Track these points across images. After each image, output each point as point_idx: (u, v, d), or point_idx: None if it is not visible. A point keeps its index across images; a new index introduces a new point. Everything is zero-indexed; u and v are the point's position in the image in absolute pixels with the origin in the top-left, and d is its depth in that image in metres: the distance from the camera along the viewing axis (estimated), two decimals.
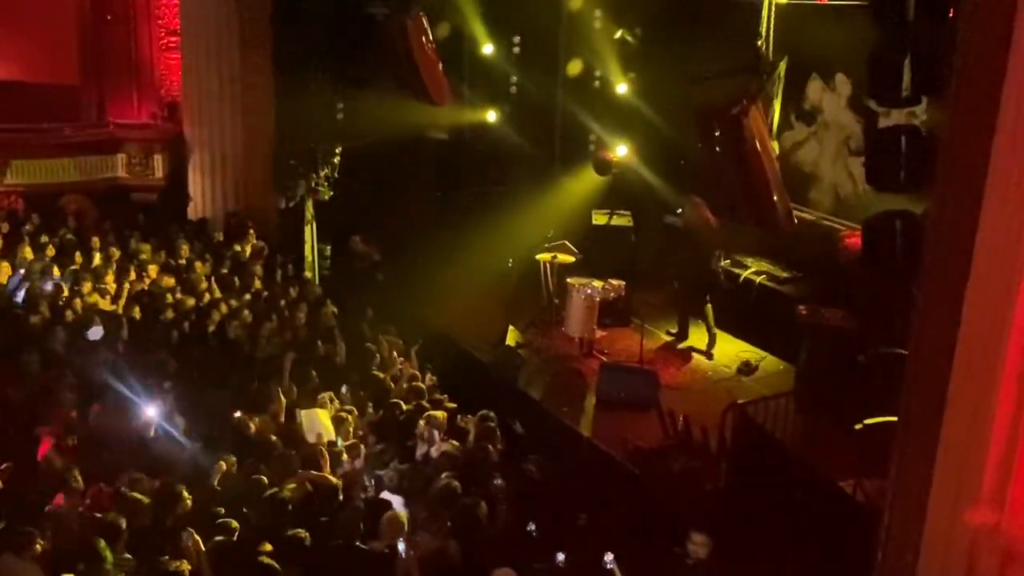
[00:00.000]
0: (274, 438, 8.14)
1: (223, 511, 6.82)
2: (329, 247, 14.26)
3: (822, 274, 11.12)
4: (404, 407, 9.01)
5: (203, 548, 6.37)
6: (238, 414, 8.53)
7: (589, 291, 11.63)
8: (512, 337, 11.79)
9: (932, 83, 6.38)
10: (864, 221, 7.01)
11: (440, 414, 8.83)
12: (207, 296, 11.25)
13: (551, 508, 7.51)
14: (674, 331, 12.16)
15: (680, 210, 11.98)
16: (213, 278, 11.80)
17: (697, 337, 12.05)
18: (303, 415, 8.55)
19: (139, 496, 6.77)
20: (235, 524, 6.63)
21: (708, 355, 11.78)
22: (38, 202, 13.90)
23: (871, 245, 6.91)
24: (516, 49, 15.03)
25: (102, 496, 6.95)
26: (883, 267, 6.98)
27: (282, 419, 8.67)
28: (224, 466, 7.50)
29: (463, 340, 12.01)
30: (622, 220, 13.65)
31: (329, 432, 8.35)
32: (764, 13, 10.51)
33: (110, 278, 11.36)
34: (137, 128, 15.00)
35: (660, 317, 12.42)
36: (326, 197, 13.59)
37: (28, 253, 11.77)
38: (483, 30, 14.59)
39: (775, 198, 10.02)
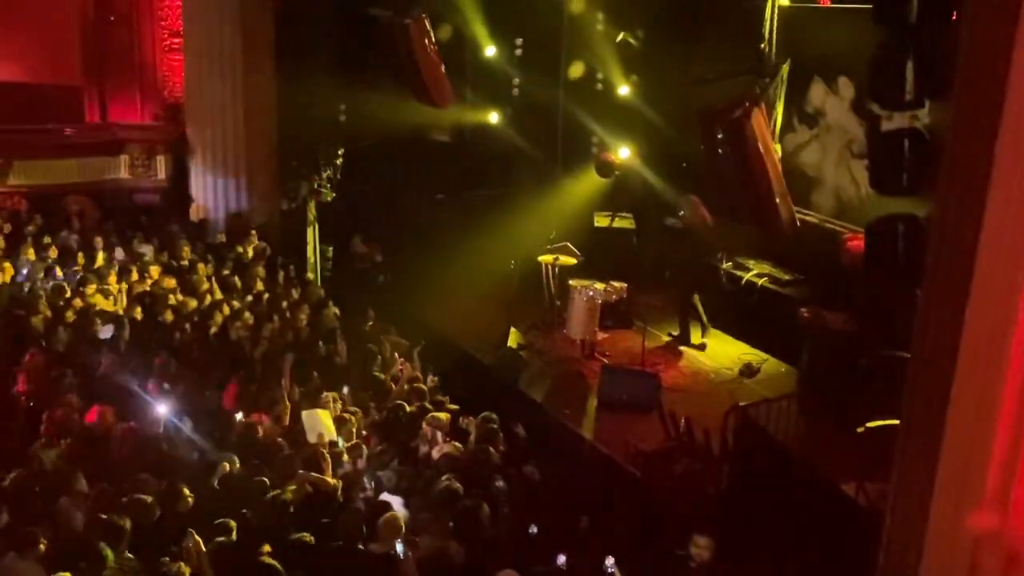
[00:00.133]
0: (280, 440, 8.15)
1: (223, 512, 6.82)
2: (331, 248, 14.26)
3: (824, 277, 11.12)
4: (407, 408, 9.01)
5: (204, 549, 6.37)
6: (240, 415, 8.54)
7: (591, 293, 11.63)
8: (514, 339, 11.79)
9: (935, 86, 6.39)
10: (867, 224, 7.01)
11: (443, 415, 8.83)
12: (208, 297, 11.25)
13: (552, 510, 7.50)
14: (675, 333, 12.16)
15: (681, 212, 11.98)
16: (215, 279, 11.81)
17: (698, 337, 12.06)
18: (304, 415, 8.55)
19: (143, 496, 6.77)
20: (233, 524, 6.63)
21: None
22: (41, 203, 13.91)
23: (874, 248, 6.92)
24: (518, 51, 15.06)
25: (106, 497, 6.94)
26: (886, 270, 6.99)
27: (286, 422, 8.67)
28: (227, 467, 7.50)
29: (465, 342, 12.02)
30: (624, 222, 13.66)
31: (330, 432, 8.35)
32: (767, 16, 10.55)
33: (112, 279, 11.37)
34: (139, 129, 15.01)
35: (662, 319, 12.42)
36: (328, 198, 13.60)
37: (31, 254, 11.78)
38: (485, 32, 14.62)
39: (777, 200, 10.04)
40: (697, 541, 6.52)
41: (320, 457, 7.78)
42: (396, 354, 10.70)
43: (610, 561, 6.39)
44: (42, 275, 11.21)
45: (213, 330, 10.42)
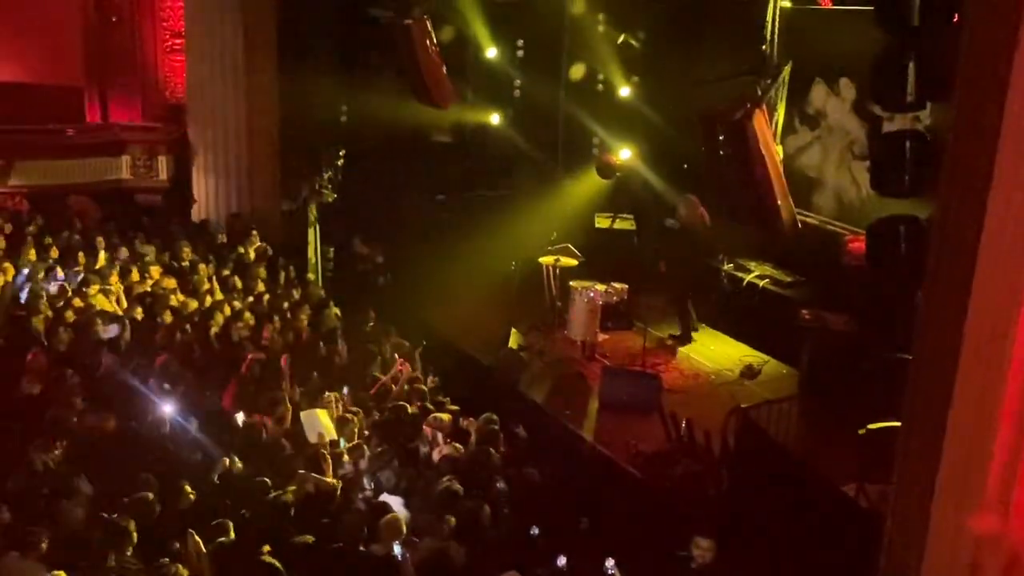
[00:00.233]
0: (283, 441, 8.15)
1: (224, 512, 6.82)
2: (332, 249, 14.27)
3: (825, 278, 11.12)
4: (409, 409, 9.01)
5: (204, 550, 6.37)
6: (241, 416, 8.54)
7: (592, 294, 11.63)
8: (514, 340, 11.80)
9: (936, 87, 6.38)
10: (868, 226, 7.00)
11: (445, 416, 8.84)
12: (209, 298, 11.26)
13: (553, 511, 7.49)
14: (676, 334, 12.16)
15: (679, 211, 12.00)
16: (216, 280, 11.82)
17: (699, 339, 12.07)
18: (302, 415, 8.55)
19: (144, 495, 6.78)
20: (230, 524, 6.62)
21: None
22: (42, 203, 13.91)
23: (875, 250, 6.90)
24: (520, 53, 15.07)
25: (107, 497, 6.95)
26: (887, 271, 6.98)
27: (288, 423, 8.67)
28: (227, 462, 7.51)
29: (465, 342, 12.02)
30: (625, 223, 13.67)
31: (330, 432, 8.35)
32: (769, 17, 10.54)
33: (114, 279, 11.38)
34: (141, 130, 15.02)
35: (662, 320, 12.42)
36: (329, 199, 13.61)
37: (32, 254, 11.79)
38: (487, 34, 14.62)
39: (779, 202, 10.04)
40: (698, 542, 6.51)
41: (320, 458, 7.79)
42: (395, 355, 10.71)
43: (610, 563, 6.39)
44: (42, 275, 11.21)
45: (214, 331, 10.42)
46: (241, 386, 9.24)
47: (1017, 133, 4.99)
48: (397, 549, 6.54)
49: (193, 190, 14.37)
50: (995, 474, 5.32)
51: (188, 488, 6.91)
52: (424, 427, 8.67)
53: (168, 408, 8.36)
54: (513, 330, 11.88)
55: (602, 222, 13.66)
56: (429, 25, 12.85)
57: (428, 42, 12.89)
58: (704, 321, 12.23)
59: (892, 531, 5.97)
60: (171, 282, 11.52)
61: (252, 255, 13.02)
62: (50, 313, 10.16)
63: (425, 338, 11.25)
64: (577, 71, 14.65)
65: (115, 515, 6.46)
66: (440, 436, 8.59)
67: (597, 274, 12.18)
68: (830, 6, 11.44)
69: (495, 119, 15.03)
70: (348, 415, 8.80)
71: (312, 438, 8.24)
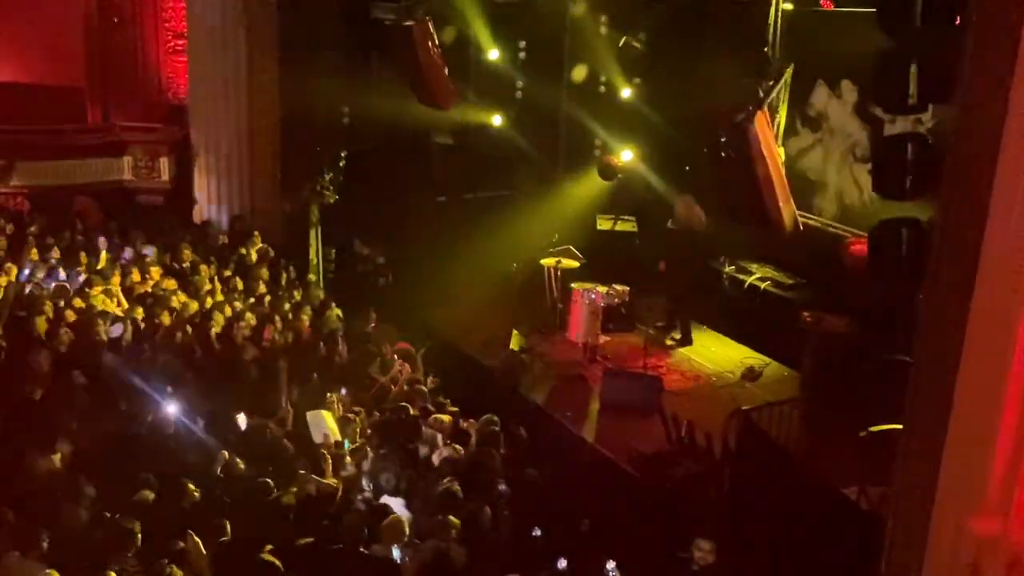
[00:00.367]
0: (286, 442, 8.15)
1: (226, 513, 6.82)
2: (334, 250, 14.27)
3: (827, 281, 11.12)
4: (411, 411, 9.00)
5: (203, 551, 6.36)
6: (242, 416, 8.54)
7: (593, 296, 11.63)
8: (516, 342, 11.80)
9: (938, 90, 6.38)
10: (870, 228, 7.00)
11: (446, 418, 8.84)
12: (210, 299, 11.26)
13: (554, 513, 7.50)
14: (677, 336, 12.16)
15: (676, 211, 12.00)
16: (217, 281, 11.81)
17: (700, 340, 12.07)
18: (308, 416, 8.55)
19: (146, 493, 6.78)
20: (228, 524, 6.62)
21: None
22: (44, 204, 13.91)
23: (877, 252, 6.90)
24: (521, 54, 15.05)
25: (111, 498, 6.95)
26: (888, 274, 6.97)
27: (290, 425, 8.67)
28: (226, 455, 7.50)
29: (466, 344, 12.03)
30: (626, 225, 13.66)
31: (335, 433, 8.36)
32: (770, 19, 10.53)
33: (116, 280, 11.38)
34: (143, 131, 14.98)
35: (663, 322, 12.41)
36: (331, 200, 13.61)
37: (33, 255, 11.79)
38: (488, 35, 14.61)
39: (780, 204, 10.04)
40: (699, 544, 6.52)
41: (323, 459, 7.79)
42: (396, 355, 10.71)
43: (611, 564, 6.39)
44: (43, 275, 11.21)
45: (215, 331, 10.42)
46: (241, 387, 9.24)
47: (1019, 135, 5.00)
48: (396, 553, 6.54)
49: (194, 191, 14.36)
50: (996, 476, 5.33)
51: (192, 486, 6.91)
52: (425, 428, 8.67)
53: (171, 408, 8.36)
54: (514, 332, 11.89)
55: (603, 224, 13.65)
56: (431, 26, 12.82)
57: (430, 43, 12.87)
58: (705, 323, 12.23)
59: (893, 533, 5.97)
60: (172, 283, 11.52)
61: (254, 256, 13.01)
62: (52, 314, 10.16)
63: (426, 339, 11.25)
64: (579, 72, 14.64)
65: (118, 516, 6.46)
66: (440, 438, 8.59)
67: (598, 276, 12.18)
68: (832, 8, 11.44)
69: (497, 120, 15.02)
70: (350, 415, 8.81)
71: (317, 439, 8.25)
